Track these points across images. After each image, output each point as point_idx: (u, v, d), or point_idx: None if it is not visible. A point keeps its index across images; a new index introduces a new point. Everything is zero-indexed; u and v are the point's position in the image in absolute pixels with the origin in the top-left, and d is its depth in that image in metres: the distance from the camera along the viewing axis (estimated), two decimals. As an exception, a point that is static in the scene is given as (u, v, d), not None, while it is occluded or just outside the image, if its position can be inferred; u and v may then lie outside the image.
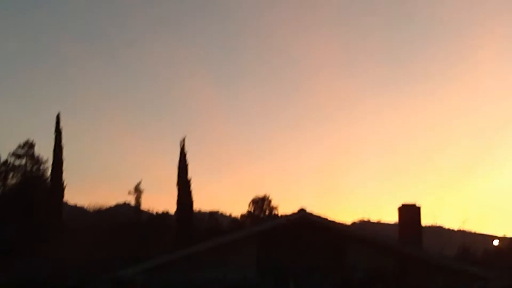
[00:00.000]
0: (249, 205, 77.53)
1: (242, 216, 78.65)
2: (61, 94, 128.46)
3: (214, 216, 79.47)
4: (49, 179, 59.57)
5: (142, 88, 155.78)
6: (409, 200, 32.90)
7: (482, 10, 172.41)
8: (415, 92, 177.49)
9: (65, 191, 58.46)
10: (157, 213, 73.08)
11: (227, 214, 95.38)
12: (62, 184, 58.02)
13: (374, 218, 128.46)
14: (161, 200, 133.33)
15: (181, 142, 62.55)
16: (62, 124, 59.42)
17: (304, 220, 29.17)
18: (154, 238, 59.50)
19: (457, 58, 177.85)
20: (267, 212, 76.48)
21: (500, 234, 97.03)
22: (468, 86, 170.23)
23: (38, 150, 62.52)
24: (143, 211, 70.70)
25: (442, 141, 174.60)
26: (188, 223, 59.57)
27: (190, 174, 61.72)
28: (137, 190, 68.30)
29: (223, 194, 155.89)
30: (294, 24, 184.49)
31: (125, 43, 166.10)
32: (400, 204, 33.13)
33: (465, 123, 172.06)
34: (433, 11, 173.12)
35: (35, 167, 62.00)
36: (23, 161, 62.06)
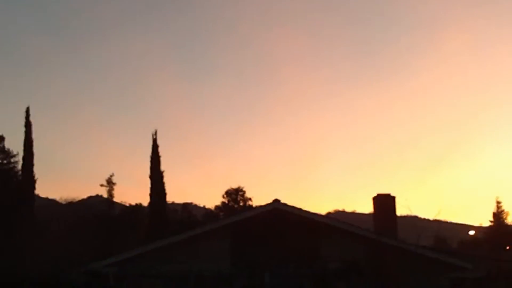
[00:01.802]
0: (223, 197, 77.41)
1: (216, 207, 78.53)
2: (31, 88, 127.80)
3: (188, 208, 79.34)
4: (20, 172, 58.90)
5: (113, 82, 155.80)
6: (384, 191, 32.86)
7: (450, 4, 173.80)
8: (386, 85, 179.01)
9: (37, 184, 57.84)
10: (130, 205, 72.79)
11: (201, 205, 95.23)
12: (33, 177, 57.43)
13: (349, 209, 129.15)
14: (134, 192, 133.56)
15: (153, 135, 62.22)
16: (32, 117, 58.77)
17: (278, 211, 28.94)
18: (127, 230, 59.21)
19: (427, 51, 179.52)
20: (241, 204, 76.34)
21: (476, 224, 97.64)
22: (440, 77, 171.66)
23: (8, 144, 61.81)
24: (116, 203, 70.48)
25: (416, 132, 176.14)
26: (161, 215, 59.31)
27: (163, 167, 61.43)
28: (110, 183, 68.09)
29: (196, 186, 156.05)
30: (262, 17, 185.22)
31: (95, 38, 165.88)
32: (375, 194, 33.06)
33: (438, 114, 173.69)
34: (401, 4, 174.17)
35: (5, 160, 61.27)
36: (-7, 154, 61.30)
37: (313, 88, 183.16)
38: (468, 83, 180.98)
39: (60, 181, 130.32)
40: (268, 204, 29.52)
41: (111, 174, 68.98)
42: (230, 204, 76.07)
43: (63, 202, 74.51)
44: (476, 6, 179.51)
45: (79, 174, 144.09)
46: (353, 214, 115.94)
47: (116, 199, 70.59)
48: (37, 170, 57.81)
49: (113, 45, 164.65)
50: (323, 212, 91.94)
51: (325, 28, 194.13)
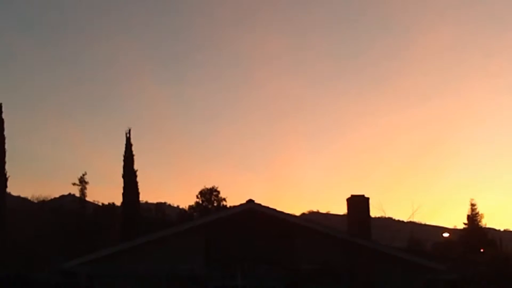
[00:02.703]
0: (197, 197, 77.00)
1: (190, 207, 78.11)
2: (3, 85, 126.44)
3: (161, 208, 78.96)
4: (-9, 170, 58.20)
5: (87, 80, 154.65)
6: (358, 192, 32.78)
7: (423, 10, 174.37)
8: (361, 85, 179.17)
9: (8, 182, 57.22)
10: (102, 204, 72.32)
11: (175, 205, 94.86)
12: (5, 175, 56.82)
13: (323, 210, 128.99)
14: (107, 191, 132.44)
15: (126, 134, 61.66)
16: (4, 115, 58.11)
17: (252, 211, 28.83)
18: (100, 230, 58.80)
19: (402, 52, 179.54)
20: (215, 204, 75.99)
21: (450, 226, 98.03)
22: (415, 78, 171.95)
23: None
24: (88, 203, 69.96)
25: (391, 134, 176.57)
26: (134, 215, 58.87)
27: (136, 166, 60.99)
28: (82, 182, 67.53)
29: (170, 185, 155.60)
30: (241, 20, 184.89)
31: (70, 36, 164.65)
32: (349, 196, 32.99)
33: (413, 115, 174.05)
34: (382, 6, 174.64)
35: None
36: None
37: (290, 89, 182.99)
38: (443, 83, 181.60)
39: (32, 179, 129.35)
40: (242, 205, 29.41)
41: (83, 173, 68.56)
42: (204, 204, 75.69)
43: (35, 201, 73.98)
44: (458, 2, 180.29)
45: (52, 172, 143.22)
46: (327, 215, 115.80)
47: (89, 198, 70.10)
48: (9, 168, 57.28)
49: (88, 44, 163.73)
50: (297, 212, 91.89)
51: (303, 30, 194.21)
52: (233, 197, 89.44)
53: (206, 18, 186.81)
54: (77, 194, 68.55)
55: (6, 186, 57.40)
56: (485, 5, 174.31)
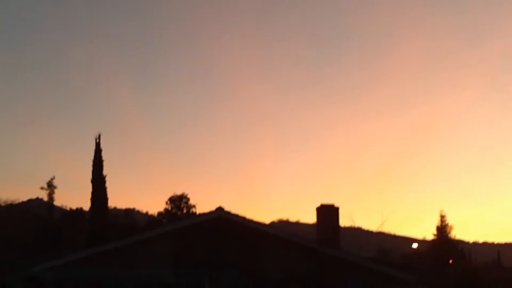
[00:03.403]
0: (166, 203, 76.85)
1: (159, 214, 78.00)
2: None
3: (130, 213, 78.86)
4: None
5: (58, 85, 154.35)
6: (328, 201, 32.74)
7: (398, 22, 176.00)
8: (333, 95, 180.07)
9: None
10: (70, 209, 71.92)
11: (144, 211, 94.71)
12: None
13: (293, 218, 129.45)
14: (75, 196, 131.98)
15: (96, 139, 61.29)
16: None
17: (221, 218, 28.71)
18: (68, 234, 58.45)
19: (376, 61, 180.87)
20: (184, 211, 75.93)
21: (419, 237, 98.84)
22: (388, 89, 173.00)
23: None
24: (56, 207, 69.59)
25: (362, 143, 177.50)
26: (103, 220, 58.55)
27: (106, 171, 60.62)
28: (50, 186, 67.14)
29: (140, 191, 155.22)
30: (213, 30, 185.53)
31: (44, 42, 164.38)
32: (319, 205, 32.94)
33: (385, 126, 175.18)
34: (353, 14, 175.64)
35: None
36: None
37: (262, 98, 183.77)
38: (416, 96, 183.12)
39: (1, 183, 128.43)
40: (211, 212, 29.25)
41: (52, 177, 68.12)
42: (173, 211, 75.60)
43: (3, 204, 73.47)
44: (431, 16, 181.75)
45: (20, 176, 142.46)
46: (297, 224, 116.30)
47: (57, 202, 69.77)
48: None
49: (60, 50, 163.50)
50: (267, 221, 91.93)
51: (276, 40, 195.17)
52: (202, 204, 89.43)
53: (179, 27, 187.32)
54: (45, 199, 68.21)
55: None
56: (459, 18, 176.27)
